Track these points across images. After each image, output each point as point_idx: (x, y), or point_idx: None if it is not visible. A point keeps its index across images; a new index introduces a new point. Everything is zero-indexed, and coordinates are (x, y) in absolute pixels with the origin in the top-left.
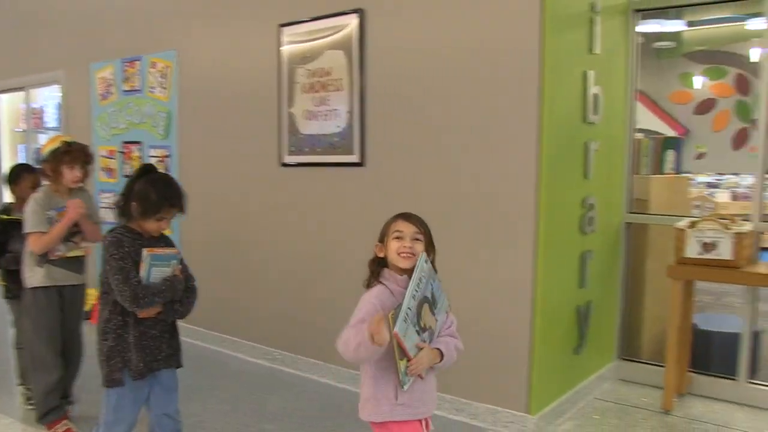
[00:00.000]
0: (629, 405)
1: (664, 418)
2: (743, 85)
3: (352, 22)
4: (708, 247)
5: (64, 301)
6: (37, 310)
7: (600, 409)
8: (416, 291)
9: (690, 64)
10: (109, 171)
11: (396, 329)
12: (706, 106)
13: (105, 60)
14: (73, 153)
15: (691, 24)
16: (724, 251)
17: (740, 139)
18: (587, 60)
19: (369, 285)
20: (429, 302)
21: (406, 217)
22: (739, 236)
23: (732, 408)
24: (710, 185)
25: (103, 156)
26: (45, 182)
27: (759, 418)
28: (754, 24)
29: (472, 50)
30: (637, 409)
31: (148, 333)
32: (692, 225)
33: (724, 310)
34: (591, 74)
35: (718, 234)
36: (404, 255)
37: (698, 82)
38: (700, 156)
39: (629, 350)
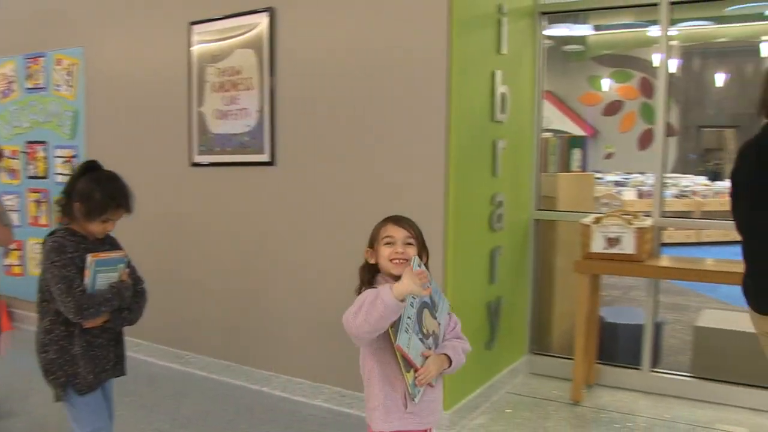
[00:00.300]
0: (540, 398)
1: (573, 409)
2: (647, 88)
3: (262, 21)
4: (612, 242)
5: None
6: None
7: (512, 402)
8: (413, 298)
9: (598, 68)
10: (12, 172)
11: (398, 342)
12: (613, 108)
13: (5, 55)
14: None
15: (597, 28)
16: (627, 246)
17: (645, 140)
18: (495, 60)
19: (360, 293)
20: (429, 306)
21: (396, 220)
22: (640, 231)
23: (637, 396)
24: (618, 183)
25: (5, 156)
26: None
27: (661, 404)
28: (654, 31)
29: (382, 51)
30: (548, 401)
31: (95, 342)
32: (597, 221)
33: (631, 304)
34: (499, 74)
35: (621, 229)
36: (396, 261)
37: (606, 84)
38: (608, 156)
39: (540, 344)
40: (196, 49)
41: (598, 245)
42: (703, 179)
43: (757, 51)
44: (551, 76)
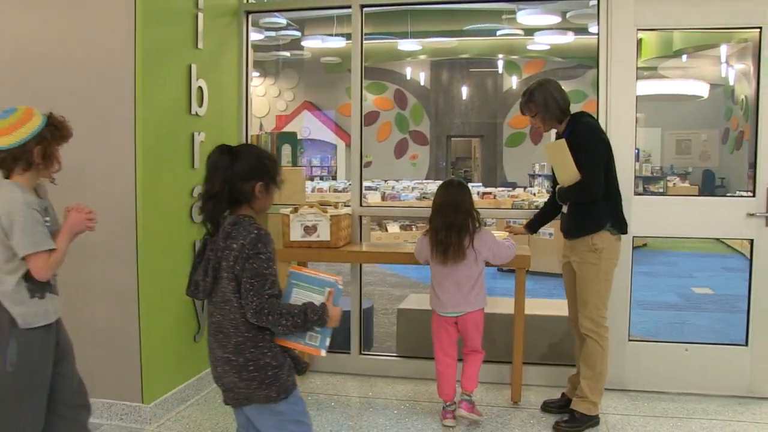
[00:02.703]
0: None
1: None
2: (401, 100)
3: None
4: (309, 230)
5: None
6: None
7: None
8: None
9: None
10: None
11: None
12: (370, 119)
13: None
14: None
15: (349, 38)
16: (323, 233)
17: (401, 149)
18: (192, 54)
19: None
20: None
21: None
22: (336, 219)
23: (346, 378)
24: (368, 188)
25: None
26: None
27: (367, 384)
28: (404, 45)
29: (71, 44)
30: None
31: None
32: (295, 210)
33: (371, 296)
34: (195, 68)
35: (317, 218)
36: None
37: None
38: (367, 164)
39: None
40: None
41: (296, 234)
42: None
43: (496, 66)
44: (310, 86)
